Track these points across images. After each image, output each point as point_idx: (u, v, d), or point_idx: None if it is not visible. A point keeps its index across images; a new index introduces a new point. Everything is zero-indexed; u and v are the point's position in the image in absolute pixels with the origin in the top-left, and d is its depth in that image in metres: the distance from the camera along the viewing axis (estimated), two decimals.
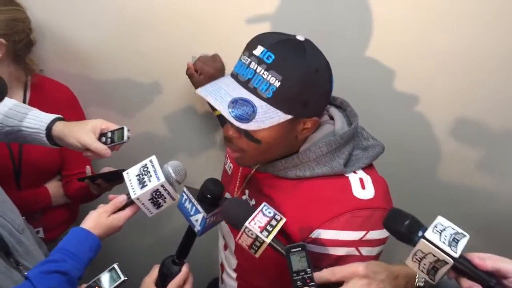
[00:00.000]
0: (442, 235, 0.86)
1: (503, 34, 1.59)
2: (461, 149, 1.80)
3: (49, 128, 1.25)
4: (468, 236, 0.88)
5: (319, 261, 1.06)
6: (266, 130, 1.00)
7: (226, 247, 1.31)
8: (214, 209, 1.07)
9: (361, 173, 1.09)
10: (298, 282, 0.91)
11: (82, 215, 1.86)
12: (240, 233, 1.00)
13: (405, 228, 0.88)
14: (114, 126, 1.28)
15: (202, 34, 1.72)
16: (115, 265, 1.06)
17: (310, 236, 1.05)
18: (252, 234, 0.98)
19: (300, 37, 1.03)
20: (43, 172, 1.70)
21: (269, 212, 1.01)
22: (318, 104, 1.05)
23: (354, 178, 1.08)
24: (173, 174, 1.13)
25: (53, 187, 1.73)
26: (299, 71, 0.98)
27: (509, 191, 1.86)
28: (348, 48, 1.67)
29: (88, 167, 1.61)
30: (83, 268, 1.06)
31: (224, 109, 0.97)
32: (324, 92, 1.04)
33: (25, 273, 1.10)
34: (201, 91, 1.01)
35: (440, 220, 0.90)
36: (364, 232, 1.04)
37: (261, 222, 0.99)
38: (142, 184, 1.10)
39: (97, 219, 1.10)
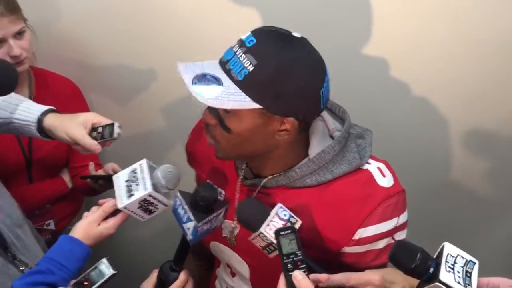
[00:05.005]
0: (455, 273, 0.83)
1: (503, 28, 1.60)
2: (469, 155, 1.81)
3: (40, 121, 1.21)
4: (477, 263, 0.86)
5: (362, 261, 1.04)
6: (237, 119, 0.98)
7: (233, 274, 1.24)
8: (207, 216, 1.01)
9: (373, 162, 1.08)
10: (289, 265, 0.91)
11: (86, 206, 1.87)
12: (254, 236, 0.98)
13: (416, 265, 0.85)
14: (106, 121, 1.22)
15: (200, 22, 1.71)
16: (105, 259, 1.04)
17: (353, 238, 1.03)
18: (267, 240, 0.97)
19: (296, 34, 0.99)
20: (53, 165, 1.70)
21: (285, 215, 0.97)
22: (292, 102, 0.97)
23: (373, 169, 1.07)
24: (163, 182, 1.04)
25: (67, 177, 1.74)
26: (275, 58, 0.94)
27: None
28: (346, 45, 1.65)
29: (91, 163, 1.60)
30: (71, 279, 1.03)
31: (189, 78, 0.95)
32: (300, 90, 0.97)
33: (22, 268, 1.10)
34: (180, 65, 0.98)
35: (449, 249, 0.86)
36: (396, 219, 1.05)
37: (276, 227, 0.95)
38: (130, 192, 1.04)
39: (87, 229, 1.06)
